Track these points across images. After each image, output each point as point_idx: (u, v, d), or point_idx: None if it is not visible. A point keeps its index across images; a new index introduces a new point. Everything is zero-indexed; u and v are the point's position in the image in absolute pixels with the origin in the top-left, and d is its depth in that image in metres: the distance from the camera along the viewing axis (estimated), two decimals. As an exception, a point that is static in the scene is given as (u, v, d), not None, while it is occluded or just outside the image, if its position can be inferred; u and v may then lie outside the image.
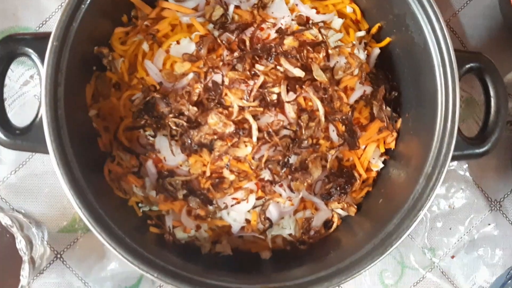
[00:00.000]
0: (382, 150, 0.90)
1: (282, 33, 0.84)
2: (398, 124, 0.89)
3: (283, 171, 0.84)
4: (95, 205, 0.74)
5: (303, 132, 0.83)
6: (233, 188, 0.85)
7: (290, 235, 0.90)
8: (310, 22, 0.87)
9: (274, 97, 0.82)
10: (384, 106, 0.88)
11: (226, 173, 0.84)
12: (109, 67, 0.86)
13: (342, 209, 0.89)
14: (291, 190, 0.85)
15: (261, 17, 0.86)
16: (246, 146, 0.83)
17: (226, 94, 0.82)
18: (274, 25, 0.86)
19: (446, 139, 0.76)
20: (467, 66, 0.79)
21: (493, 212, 1.01)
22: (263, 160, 0.83)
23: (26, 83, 0.95)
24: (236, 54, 0.82)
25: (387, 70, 0.91)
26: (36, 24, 0.95)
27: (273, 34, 0.85)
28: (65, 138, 0.74)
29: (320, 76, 0.82)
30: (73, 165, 0.75)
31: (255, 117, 0.82)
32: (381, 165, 0.90)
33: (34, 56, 0.74)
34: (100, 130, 0.86)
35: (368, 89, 0.88)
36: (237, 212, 0.86)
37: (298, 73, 0.81)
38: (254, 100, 0.82)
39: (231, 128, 0.82)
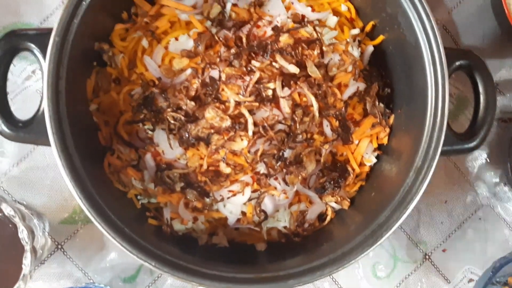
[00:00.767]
0: (375, 145, 0.92)
1: (278, 30, 0.86)
2: (391, 120, 0.91)
3: (278, 164, 0.86)
4: (95, 196, 0.77)
5: (298, 127, 0.86)
6: (229, 181, 0.87)
7: (285, 227, 0.92)
8: (306, 20, 0.89)
9: (270, 92, 0.84)
10: (377, 103, 0.91)
11: (222, 166, 0.86)
12: (109, 63, 0.88)
13: (336, 202, 0.91)
14: (286, 183, 0.88)
15: (257, 15, 0.88)
16: (242, 140, 0.85)
17: (223, 90, 0.84)
18: (270, 22, 0.88)
19: (435, 134, 0.78)
20: (457, 63, 0.82)
21: (484, 207, 1.03)
22: (259, 153, 0.85)
23: (28, 77, 0.97)
24: (233, 50, 0.85)
25: (380, 67, 0.93)
26: (38, 20, 0.97)
27: (269, 32, 0.87)
28: (66, 131, 0.77)
29: (314, 72, 0.84)
30: (74, 157, 0.77)
31: (251, 112, 0.84)
32: (374, 160, 0.93)
33: (37, 51, 0.76)
34: (100, 124, 0.88)
35: (362, 86, 0.90)
36: (233, 204, 0.89)
37: (293, 69, 0.84)
38: (250, 95, 0.84)
39: (227, 123, 0.84)
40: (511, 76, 1.03)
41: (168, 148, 0.86)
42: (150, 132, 0.88)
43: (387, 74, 0.92)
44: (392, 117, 0.91)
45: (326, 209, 0.92)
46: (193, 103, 0.84)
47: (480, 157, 1.03)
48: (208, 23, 0.88)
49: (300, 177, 0.87)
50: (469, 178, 1.03)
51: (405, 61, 0.85)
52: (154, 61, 0.87)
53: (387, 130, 0.91)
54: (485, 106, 0.82)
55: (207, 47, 0.86)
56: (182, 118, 0.84)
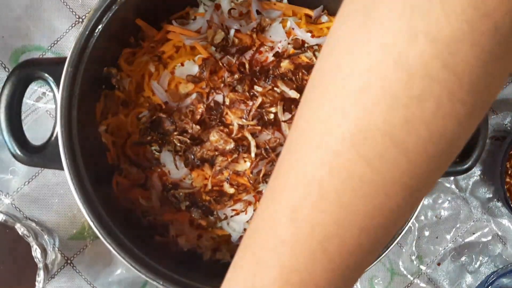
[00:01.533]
0: (372, 164, 0.96)
1: (279, 56, 0.90)
2: (388, 141, 0.95)
3: (279, 184, 0.90)
4: (105, 217, 0.80)
5: (298, 149, 0.89)
6: (233, 200, 0.91)
7: (286, 243, 0.95)
8: (306, 45, 0.93)
9: (271, 116, 0.88)
10: (374, 124, 0.94)
11: (226, 186, 0.90)
12: (118, 86, 0.92)
13: (334, 219, 0.95)
14: (287, 202, 0.91)
15: (259, 41, 0.92)
16: (245, 161, 0.89)
17: (226, 114, 0.88)
18: (272, 48, 0.92)
19: (429, 158, 0.81)
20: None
21: (478, 222, 1.07)
22: (261, 174, 0.89)
23: (38, 99, 1.00)
24: (236, 76, 0.88)
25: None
26: (48, 43, 1.01)
27: (271, 57, 0.91)
28: (78, 154, 0.80)
29: (314, 97, 0.88)
30: (85, 180, 0.80)
31: (254, 135, 0.88)
32: (372, 179, 0.96)
33: (50, 80, 0.80)
34: (109, 145, 0.92)
35: (360, 108, 0.93)
36: (236, 222, 0.92)
37: (294, 94, 0.87)
38: (252, 119, 0.88)
39: (231, 145, 0.88)
40: (504, 96, 1.07)
41: (174, 168, 0.90)
42: (157, 153, 0.92)
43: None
44: (389, 137, 0.95)
45: (326, 226, 0.95)
46: (198, 126, 0.88)
47: (474, 174, 1.07)
48: (212, 48, 0.91)
49: (300, 196, 0.91)
50: (463, 194, 1.07)
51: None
52: (160, 85, 0.90)
53: (384, 150, 0.95)
54: (477, 129, 0.85)
55: (212, 73, 0.90)
56: (188, 141, 0.88)
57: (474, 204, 1.07)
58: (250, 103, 0.88)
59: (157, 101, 0.90)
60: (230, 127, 0.88)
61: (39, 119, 1.00)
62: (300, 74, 0.89)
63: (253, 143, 0.87)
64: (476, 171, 1.07)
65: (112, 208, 0.85)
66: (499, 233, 1.07)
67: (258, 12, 0.93)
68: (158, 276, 0.80)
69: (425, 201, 1.05)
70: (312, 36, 0.93)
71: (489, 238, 1.07)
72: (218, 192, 0.91)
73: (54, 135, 0.80)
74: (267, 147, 0.88)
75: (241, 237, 0.94)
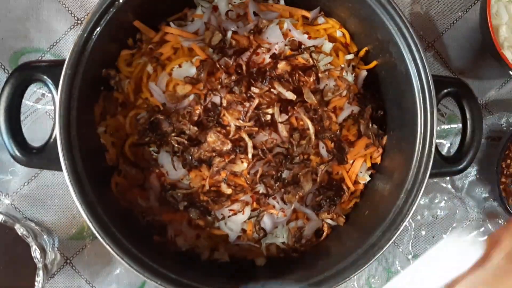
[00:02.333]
0: (369, 164, 0.97)
1: (276, 58, 0.91)
2: (384, 141, 0.96)
3: (276, 185, 0.91)
4: (103, 218, 0.81)
5: (295, 150, 0.90)
6: (230, 200, 0.92)
7: (283, 243, 0.96)
8: (302, 46, 0.93)
9: (268, 117, 0.89)
10: (370, 124, 0.95)
11: (223, 186, 0.91)
12: (116, 87, 0.92)
13: (331, 219, 0.96)
14: (284, 202, 0.92)
15: (256, 42, 0.92)
16: (242, 162, 0.89)
17: (224, 115, 0.89)
18: (269, 50, 0.92)
19: (424, 159, 0.82)
20: (445, 90, 0.86)
21: (474, 221, 1.07)
22: (258, 175, 0.90)
23: (38, 100, 1.01)
24: (233, 77, 0.89)
25: (374, 90, 0.98)
26: (47, 45, 1.01)
27: (268, 59, 0.92)
28: (76, 155, 0.81)
29: (310, 98, 0.89)
30: (84, 180, 0.81)
31: (251, 136, 0.89)
32: (368, 178, 0.97)
33: (49, 82, 0.81)
34: (108, 146, 0.93)
35: (356, 109, 0.94)
36: (233, 222, 0.93)
37: (290, 96, 0.88)
38: (249, 120, 0.88)
39: (228, 146, 0.88)
40: (499, 97, 1.07)
41: (172, 169, 0.91)
42: (155, 154, 0.92)
43: (380, 97, 0.97)
44: (385, 138, 0.96)
45: (323, 226, 0.96)
46: (196, 128, 0.89)
47: (470, 173, 1.08)
48: (210, 50, 0.92)
49: (297, 196, 0.92)
50: (459, 194, 1.07)
51: (396, 87, 0.90)
52: (158, 87, 0.91)
53: (380, 150, 0.96)
54: (472, 131, 0.87)
55: (209, 74, 0.91)
56: (186, 142, 0.89)
57: (470, 203, 1.08)
58: (247, 104, 0.89)
59: (155, 102, 0.91)
60: (227, 128, 0.89)
61: (39, 120, 1.01)
62: (297, 75, 0.90)
63: (250, 144, 0.88)
64: (472, 171, 1.08)
65: (110, 209, 0.86)
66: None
67: (255, 14, 0.94)
68: (156, 276, 0.81)
69: (422, 201, 1.06)
70: (309, 38, 0.94)
71: (485, 237, 1.07)
72: (216, 193, 0.91)
73: (53, 137, 0.81)
74: (264, 148, 0.89)
75: (238, 237, 0.95)
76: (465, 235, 1.05)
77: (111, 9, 0.81)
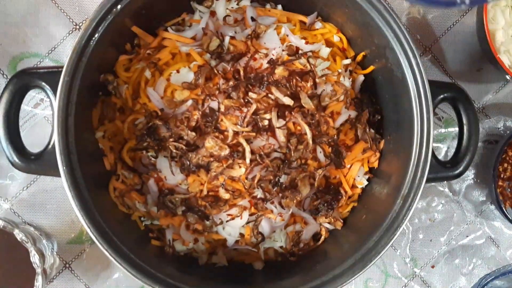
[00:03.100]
0: (366, 168, 0.97)
1: (273, 63, 0.91)
2: (381, 145, 0.96)
3: (274, 189, 0.91)
4: (101, 223, 0.82)
5: (292, 154, 0.91)
6: (228, 205, 0.92)
7: (281, 247, 0.97)
8: (300, 52, 0.94)
9: (266, 122, 0.89)
10: (367, 129, 0.95)
11: (221, 191, 0.91)
12: (114, 93, 0.93)
13: (329, 223, 0.96)
14: (282, 206, 0.93)
15: (254, 48, 0.93)
16: (240, 167, 0.90)
17: (221, 120, 0.89)
18: (266, 55, 0.93)
19: (421, 164, 0.83)
20: (442, 96, 0.87)
21: (471, 225, 1.08)
22: (256, 180, 0.90)
23: (36, 105, 1.02)
24: (231, 83, 0.89)
25: (371, 94, 0.98)
26: (46, 50, 1.02)
27: (265, 64, 0.92)
28: (74, 161, 0.81)
29: (307, 103, 0.89)
30: (82, 186, 0.82)
31: (248, 141, 0.89)
32: (365, 182, 0.98)
33: (47, 88, 0.81)
34: (106, 150, 0.93)
35: (353, 114, 0.95)
36: (231, 227, 0.94)
37: (288, 101, 0.89)
38: (247, 126, 0.89)
39: (226, 151, 0.89)
40: (496, 100, 1.08)
41: (170, 174, 0.91)
42: (153, 159, 0.93)
43: (377, 101, 0.97)
44: (382, 142, 0.96)
45: (321, 229, 0.97)
46: (193, 133, 0.89)
47: (467, 177, 1.08)
48: (207, 55, 0.93)
49: (295, 201, 0.92)
50: (456, 198, 1.08)
51: (393, 92, 0.90)
52: (156, 92, 0.91)
53: (378, 154, 0.96)
54: (468, 136, 0.87)
55: (207, 79, 0.91)
56: (184, 147, 0.89)
57: (468, 207, 1.08)
58: (245, 109, 0.89)
59: (153, 107, 0.92)
60: (225, 133, 0.89)
61: (37, 125, 1.02)
62: (294, 80, 0.90)
63: (247, 149, 0.89)
64: (470, 175, 1.08)
65: (108, 214, 0.86)
66: (492, 236, 1.08)
67: (253, 19, 0.94)
68: (154, 281, 0.82)
69: (419, 205, 1.07)
70: (306, 43, 0.94)
71: (483, 240, 1.08)
72: (214, 197, 0.92)
73: (51, 143, 0.81)
74: (262, 153, 0.89)
75: (236, 241, 0.95)
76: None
77: (109, 16, 0.81)
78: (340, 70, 0.95)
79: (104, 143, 0.93)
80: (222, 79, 0.90)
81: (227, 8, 0.96)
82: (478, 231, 1.08)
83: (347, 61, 0.97)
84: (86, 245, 1.02)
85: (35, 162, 0.82)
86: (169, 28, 0.95)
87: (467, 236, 1.08)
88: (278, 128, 0.89)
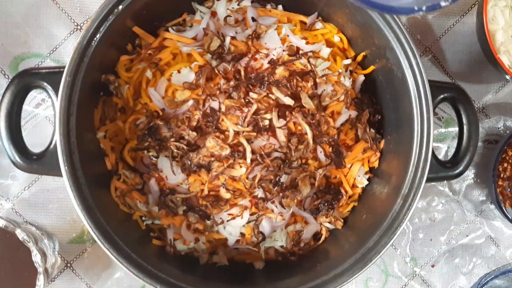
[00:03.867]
0: (366, 168, 0.97)
1: (274, 63, 0.92)
2: (381, 145, 0.96)
3: (275, 189, 0.92)
4: (103, 223, 0.82)
5: (293, 154, 0.91)
6: (229, 204, 0.92)
7: (282, 246, 0.97)
8: (300, 52, 0.94)
9: (266, 122, 0.90)
10: (368, 129, 0.96)
11: (222, 191, 0.92)
12: (115, 93, 0.93)
13: (329, 222, 0.97)
14: (282, 206, 0.93)
15: (255, 48, 0.93)
16: (240, 167, 0.90)
17: (222, 120, 0.90)
18: (267, 55, 0.93)
19: (421, 164, 0.83)
20: (442, 96, 0.87)
21: (471, 224, 1.08)
22: (256, 179, 0.91)
23: (38, 105, 1.02)
24: (232, 83, 0.90)
25: (371, 94, 0.98)
26: (47, 50, 1.02)
27: (266, 64, 0.92)
28: (76, 161, 0.82)
29: (308, 103, 0.89)
30: (83, 185, 0.82)
31: (249, 141, 0.90)
32: (366, 182, 0.98)
33: (49, 89, 0.81)
34: (107, 150, 0.93)
35: (353, 113, 0.95)
36: (232, 226, 0.94)
37: (288, 101, 0.89)
38: (248, 126, 0.89)
39: (227, 151, 0.89)
40: (496, 100, 1.08)
41: (171, 174, 0.92)
42: (154, 159, 0.93)
43: (378, 101, 0.98)
44: (383, 142, 0.96)
45: (321, 229, 0.97)
46: (194, 133, 0.89)
47: (467, 177, 1.08)
48: (208, 56, 0.93)
49: (295, 200, 0.93)
50: (456, 197, 1.08)
51: (393, 91, 0.90)
52: (158, 92, 0.92)
53: (378, 154, 0.96)
54: (468, 136, 0.87)
55: (208, 80, 0.91)
56: (185, 147, 0.90)
57: (468, 206, 1.08)
58: (246, 109, 0.89)
59: (154, 108, 0.92)
60: (226, 133, 0.90)
61: (39, 125, 1.02)
62: (295, 80, 0.91)
63: (248, 149, 0.89)
64: (470, 174, 1.08)
65: (110, 214, 0.87)
66: (492, 235, 1.08)
67: (253, 19, 0.95)
68: (156, 280, 0.82)
69: (419, 204, 1.07)
70: (307, 43, 0.95)
71: (483, 240, 1.08)
72: (215, 197, 0.92)
73: (53, 143, 0.81)
74: (262, 152, 0.90)
75: (237, 240, 0.95)
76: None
77: (111, 16, 0.82)
78: (340, 70, 0.95)
79: (106, 143, 0.93)
80: (223, 79, 0.91)
81: (228, 9, 0.96)
82: (478, 230, 1.09)
83: (348, 61, 0.97)
84: (88, 245, 1.03)
85: (37, 162, 0.82)
86: (170, 29, 0.95)
87: (467, 236, 1.08)
88: (279, 128, 0.90)
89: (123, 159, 0.94)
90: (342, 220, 0.97)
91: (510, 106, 1.08)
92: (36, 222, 1.02)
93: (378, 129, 0.98)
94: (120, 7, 0.82)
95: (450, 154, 0.97)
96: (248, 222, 0.94)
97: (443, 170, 0.87)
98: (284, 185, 0.92)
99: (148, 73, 0.93)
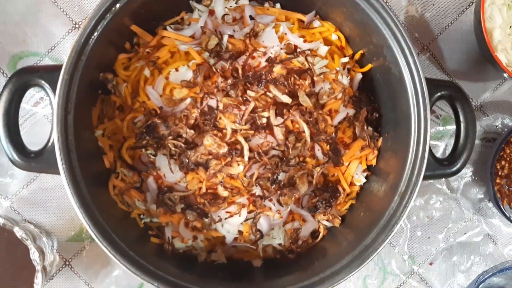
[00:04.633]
0: (364, 166, 0.98)
1: (271, 61, 0.92)
2: (379, 143, 0.96)
3: (272, 187, 0.92)
4: (101, 221, 0.82)
5: (291, 152, 0.91)
6: (227, 202, 0.93)
7: (279, 244, 0.97)
8: (298, 50, 0.94)
9: (264, 120, 0.90)
10: (365, 127, 0.96)
11: (220, 189, 0.92)
12: (113, 91, 0.93)
13: (327, 220, 0.97)
14: (280, 204, 0.93)
15: (252, 46, 0.93)
16: (238, 165, 0.90)
17: (220, 118, 0.90)
18: (265, 53, 0.93)
19: (418, 162, 0.83)
20: (439, 94, 0.87)
21: (469, 222, 1.08)
22: (254, 177, 0.91)
23: (36, 104, 1.02)
24: (229, 81, 0.90)
25: (369, 92, 0.99)
26: (45, 49, 1.02)
27: (264, 62, 0.92)
28: (74, 159, 0.82)
29: (305, 101, 0.90)
30: (81, 184, 0.82)
31: (247, 139, 0.90)
32: (364, 180, 0.98)
33: (46, 87, 0.82)
34: (105, 148, 0.94)
35: (351, 111, 0.95)
36: (230, 224, 0.94)
37: (286, 99, 0.89)
38: (245, 124, 0.89)
39: (224, 149, 0.89)
40: (494, 98, 1.08)
41: (169, 172, 0.92)
42: (152, 157, 0.93)
43: (375, 99, 0.98)
44: (380, 140, 0.96)
45: (319, 227, 0.97)
46: (192, 131, 0.90)
47: (465, 175, 1.09)
48: (206, 54, 0.93)
49: (293, 198, 0.93)
50: (454, 195, 1.08)
51: (391, 90, 0.90)
52: (155, 90, 0.92)
53: (376, 152, 0.96)
54: (465, 133, 0.88)
55: (205, 78, 0.91)
56: (182, 145, 0.90)
57: (466, 204, 1.09)
58: (243, 107, 0.90)
59: (152, 106, 0.92)
60: (224, 131, 0.90)
61: (37, 123, 1.02)
62: (292, 78, 0.91)
63: (246, 147, 0.89)
64: (468, 172, 1.09)
65: (108, 212, 0.87)
66: (490, 233, 1.09)
67: (251, 18, 0.95)
68: (154, 278, 0.82)
69: (417, 202, 1.07)
70: (305, 41, 0.95)
71: (480, 238, 1.09)
72: (212, 195, 0.92)
73: (51, 141, 0.82)
74: (260, 150, 0.90)
75: (235, 238, 0.96)
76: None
77: (108, 15, 0.82)
78: (338, 68, 0.95)
79: (104, 141, 0.93)
80: (221, 77, 0.91)
81: (225, 7, 0.96)
82: (476, 228, 1.09)
83: (345, 59, 0.97)
84: (86, 243, 1.03)
85: (34, 160, 0.82)
86: (168, 27, 0.95)
87: (465, 234, 1.09)
88: (276, 126, 0.90)
89: (121, 157, 0.94)
90: (340, 218, 0.97)
91: (508, 104, 1.09)
92: (35, 220, 1.02)
93: (376, 127, 0.98)
94: (118, 5, 0.82)
95: (448, 152, 0.97)
96: (246, 220, 0.94)
97: (440, 168, 0.87)
98: (282, 183, 0.92)
99: (146, 72, 0.93)
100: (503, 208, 1.03)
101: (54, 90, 0.80)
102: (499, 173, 1.04)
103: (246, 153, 0.89)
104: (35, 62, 1.02)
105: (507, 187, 1.05)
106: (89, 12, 0.94)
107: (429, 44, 1.07)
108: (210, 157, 0.90)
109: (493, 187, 1.03)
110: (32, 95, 1.02)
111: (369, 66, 0.96)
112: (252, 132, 0.90)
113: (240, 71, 0.91)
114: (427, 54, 1.07)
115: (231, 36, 0.94)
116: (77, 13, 1.02)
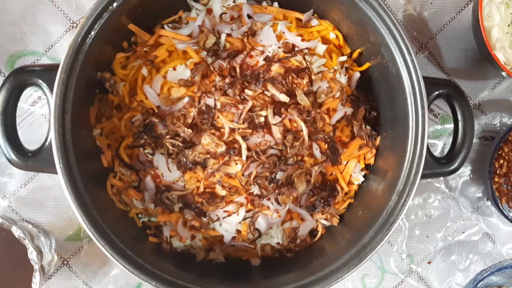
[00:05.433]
0: (362, 165, 0.98)
1: (269, 60, 0.92)
2: (377, 142, 0.96)
3: (270, 186, 0.92)
4: (98, 220, 0.82)
5: (289, 151, 0.91)
6: (225, 201, 0.92)
7: (278, 243, 0.97)
8: (296, 49, 0.94)
9: (262, 119, 0.90)
10: (364, 125, 0.96)
11: (218, 188, 0.92)
12: (111, 90, 0.93)
13: (325, 219, 0.97)
14: (278, 203, 0.93)
15: (250, 45, 0.93)
16: (236, 164, 0.90)
17: (218, 117, 0.90)
18: (262, 52, 0.93)
19: (415, 161, 0.83)
20: (437, 92, 0.87)
21: (467, 221, 1.08)
22: (252, 176, 0.91)
23: (34, 103, 1.02)
24: (227, 80, 0.90)
25: (367, 91, 0.98)
26: (43, 48, 1.02)
27: (261, 61, 0.92)
28: (72, 158, 0.82)
29: (303, 100, 0.90)
30: (79, 183, 0.82)
31: (245, 138, 0.90)
32: (362, 179, 0.98)
33: (44, 86, 0.82)
34: (103, 148, 0.93)
35: (349, 110, 0.95)
36: (228, 223, 0.94)
37: (284, 98, 0.89)
38: (243, 123, 0.89)
39: (222, 148, 0.89)
40: (492, 97, 1.08)
41: (167, 171, 0.92)
42: (150, 156, 0.93)
43: (373, 98, 0.98)
44: (378, 138, 0.96)
45: (317, 226, 0.97)
46: (190, 130, 0.90)
47: (463, 174, 1.09)
48: (204, 53, 0.93)
49: (291, 197, 0.93)
50: (453, 194, 1.08)
51: (389, 88, 0.90)
52: (153, 89, 0.92)
53: (374, 151, 0.96)
54: (463, 132, 0.88)
55: (203, 77, 0.91)
56: (180, 144, 0.90)
57: (464, 203, 1.09)
58: (241, 106, 0.89)
59: (149, 105, 0.92)
60: (222, 130, 0.90)
61: (35, 123, 1.02)
62: (290, 77, 0.91)
63: (244, 146, 0.89)
64: (466, 171, 1.09)
65: (106, 211, 0.87)
66: (489, 232, 1.09)
67: (249, 16, 0.95)
68: (152, 277, 0.82)
69: (416, 201, 1.07)
70: (303, 40, 0.95)
71: (479, 236, 1.09)
72: (210, 194, 0.92)
73: (48, 140, 0.81)
74: (258, 149, 0.90)
75: (233, 237, 0.95)
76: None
77: (105, 14, 0.82)
78: (336, 67, 0.95)
79: (102, 140, 0.93)
80: (219, 76, 0.91)
81: (223, 6, 0.96)
82: (475, 227, 1.09)
83: (343, 58, 0.97)
84: (84, 242, 1.03)
85: (32, 160, 0.82)
86: (165, 26, 0.95)
87: (464, 232, 1.09)
88: (274, 125, 0.90)
89: (119, 156, 0.94)
90: (338, 217, 0.97)
91: (506, 102, 1.09)
92: (33, 220, 1.02)
93: (374, 126, 0.98)
94: (115, 4, 0.82)
95: (447, 150, 0.97)
96: (244, 219, 0.94)
97: (438, 166, 0.87)
98: (280, 182, 0.92)
99: (144, 71, 0.93)
100: (502, 206, 1.03)
101: (51, 90, 0.80)
102: (498, 172, 1.04)
103: (244, 152, 0.89)
104: (33, 61, 1.02)
105: (505, 186, 1.05)
106: (87, 11, 0.94)
107: (427, 42, 1.07)
108: (208, 156, 0.90)
109: (491, 185, 1.03)
110: (29, 94, 1.02)
111: (367, 64, 0.96)
112: (250, 131, 0.89)
113: (238, 70, 0.91)
114: (425, 53, 1.07)
115: (229, 35, 0.94)
116: (75, 12, 1.02)
